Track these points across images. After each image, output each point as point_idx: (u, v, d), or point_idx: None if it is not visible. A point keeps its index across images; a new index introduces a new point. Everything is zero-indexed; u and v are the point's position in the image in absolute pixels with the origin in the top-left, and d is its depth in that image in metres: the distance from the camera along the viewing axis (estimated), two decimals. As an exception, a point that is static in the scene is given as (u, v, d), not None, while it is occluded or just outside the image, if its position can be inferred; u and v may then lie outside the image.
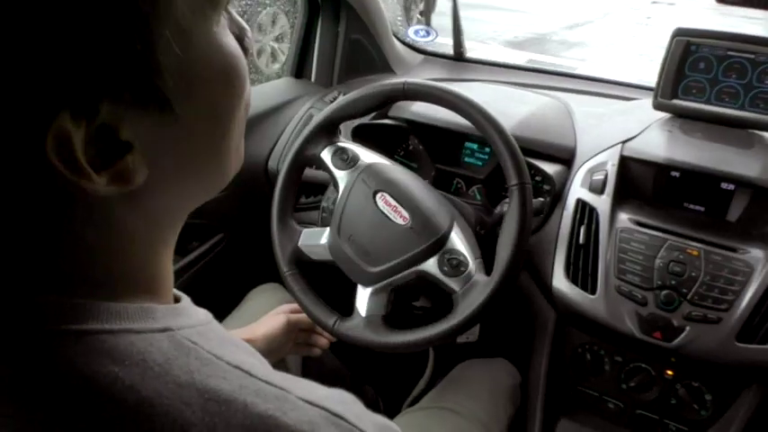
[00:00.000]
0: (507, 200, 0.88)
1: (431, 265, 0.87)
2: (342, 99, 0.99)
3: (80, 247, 0.33)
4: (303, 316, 0.98)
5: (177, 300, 0.40)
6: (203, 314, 0.39)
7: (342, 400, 0.37)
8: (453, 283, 0.86)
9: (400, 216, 0.90)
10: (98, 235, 0.33)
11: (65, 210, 0.31)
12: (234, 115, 0.37)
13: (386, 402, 1.32)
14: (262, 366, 0.36)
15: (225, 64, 0.35)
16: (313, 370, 1.10)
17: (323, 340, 1.04)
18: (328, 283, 1.06)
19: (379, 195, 0.92)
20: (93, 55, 0.28)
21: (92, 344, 0.31)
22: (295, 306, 1.00)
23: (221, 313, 1.09)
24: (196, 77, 0.33)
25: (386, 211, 0.91)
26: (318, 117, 0.99)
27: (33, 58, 0.27)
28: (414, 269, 0.88)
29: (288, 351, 1.01)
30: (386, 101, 0.97)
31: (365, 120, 1.18)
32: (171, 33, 0.30)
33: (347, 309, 0.96)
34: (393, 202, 0.91)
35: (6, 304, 0.31)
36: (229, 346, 0.36)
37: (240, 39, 0.39)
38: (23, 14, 0.26)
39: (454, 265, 0.86)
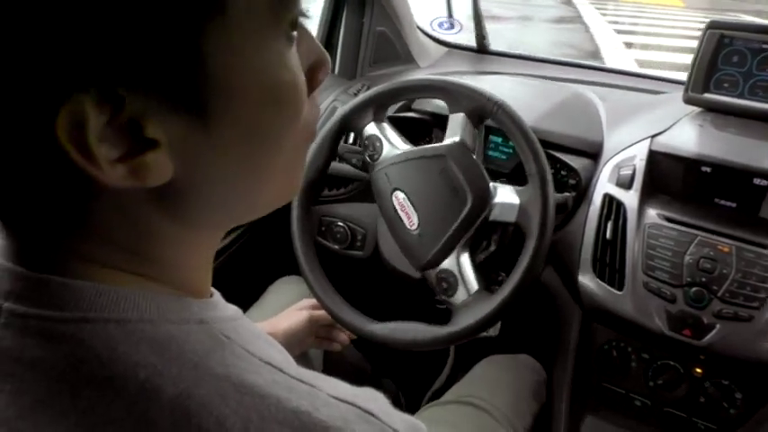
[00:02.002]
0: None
1: (432, 276, 0.90)
2: (403, 81, 0.98)
3: (111, 240, 0.33)
4: (324, 313, 0.99)
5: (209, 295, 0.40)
6: (233, 309, 0.39)
7: (372, 398, 0.37)
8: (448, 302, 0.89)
9: (410, 220, 0.91)
10: (127, 231, 0.33)
11: (89, 199, 0.31)
12: (282, 140, 0.35)
13: (406, 397, 1.32)
14: (291, 363, 0.36)
15: (276, 86, 0.33)
16: (335, 364, 1.11)
17: (343, 336, 1.05)
18: (348, 278, 1.06)
19: (395, 194, 0.93)
20: (126, 41, 0.27)
21: (133, 333, 0.31)
22: (316, 302, 1.00)
23: (243, 306, 1.08)
24: (239, 91, 0.31)
25: (399, 213, 0.93)
26: (378, 89, 0.98)
27: (60, 29, 0.26)
28: (433, 276, 0.90)
29: (308, 346, 1.01)
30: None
31: (389, 112, 1.17)
32: (219, 38, 0.29)
33: (369, 306, 0.96)
34: (406, 205, 0.91)
35: (45, 287, 0.32)
36: (260, 342, 0.36)
37: (313, 69, 0.38)
38: None
39: (449, 284, 0.88)
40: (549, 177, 0.85)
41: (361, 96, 0.99)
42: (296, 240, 0.99)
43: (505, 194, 0.88)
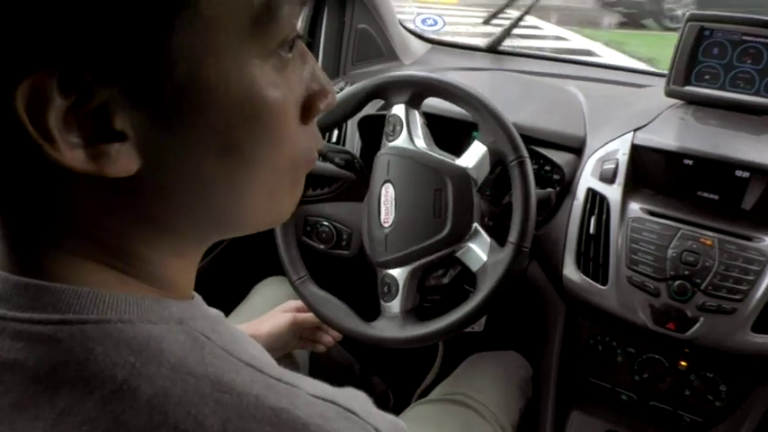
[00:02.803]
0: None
1: (380, 274, 0.92)
2: (456, 84, 0.92)
3: (89, 233, 0.33)
4: (309, 315, 0.98)
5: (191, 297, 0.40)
6: (214, 311, 0.39)
7: (353, 396, 0.37)
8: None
9: (386, 216, 0.92)
10: (103, 224, 0.33)
11: (60, 185, 0.31)
12: (261, 161, 0.35)
13: (395, 394, 1.32)
14: (272, 364, 0.36)
15: (257, 102, 0.32)
16: (321, 362, 1.10)
17: (328, 338, 1.04)
18: (334, 277, 1.06)
19: (386, 185, 0.92)
20: (91, 26, 0.27)
21: (111, 333, 0.31)
22: (301, 304, 0.99)
23: (227, 307, 1.08)
24: (211, 98, 0.31)
25: (381, 204, 0.93)
26: (430, 75, 0.93)
27: (27, 3, 0.26)
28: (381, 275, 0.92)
29: (292, 348, 1.00)
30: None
31: (371, 111, 1.16)
32: (190, 38, 0.29)
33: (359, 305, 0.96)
34: (390, 200, 0.92)
35: (23, 290, 0.32)
36: (240, 342, 0.36)
37: (313, 97, 0.37)
38: None
39: (390, 290, 0.91)
40: (524, 254, 0.85)
41: (409, 72, 0.95)
42: (279, 240, 0.99)
43: (480, 244, 0.88)
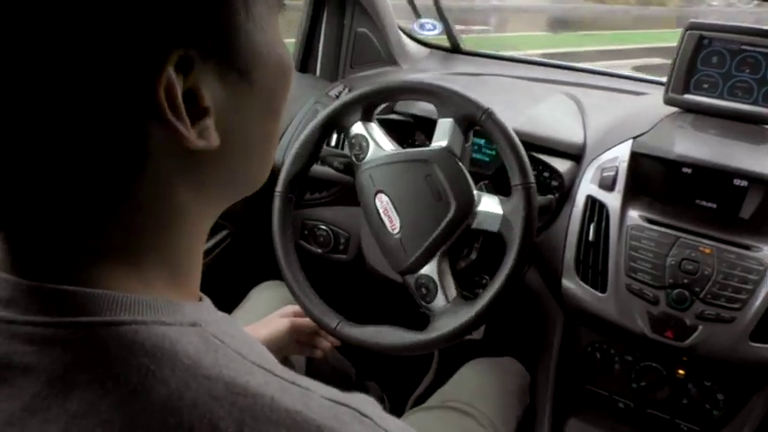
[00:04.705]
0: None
1: (411, 281, 0.89)
2: (394, 82, 0.97)
3: (129, 224, 0.34)
4: (307, 320, 0.97)
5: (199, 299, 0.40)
6: (222, 314, 0.39)
7: (365, 401, 0.37)
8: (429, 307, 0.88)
9: (392, 224, 0.90)
10: (156, 207, 0.34)
11: (137, 172, 0.32)
12: (280, 108, 0.39)
13: (391, 400, 1.31)
14: (284, 368, 0.36)
15: (281, 58, 0.37)
16: (318, 368, 1.09)
17: (325, 343, 1.03)
18: (332, 282, 1.05)
19: (378, 196, 0.92)
20: (196, 7, 0.30)
21: (125, 335, 0.31)
22: (298, 309, 0.99)
23: (225, 310, 1.07)
24: (266, 62, 0.36)
25: (382, 216, 0.92)
26: (368, 88, 0.96)
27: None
28: (413, 280, 0.89)
29: (290, 353, 1.00)
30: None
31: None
32: (250, 16, 0.33)
33: (348, 307, 0.95)
34: (389, 208, 0.91)
35: (35, 294, 0.32)
36: (252, 345, 0.36)
37: None
38: None
39: (428, 290, 0.87)
40: (534, 190, 0.84)
41: (352, 94, 0.97)
42: (277, 243, 0.98)
43: (489, 204, 0.87)
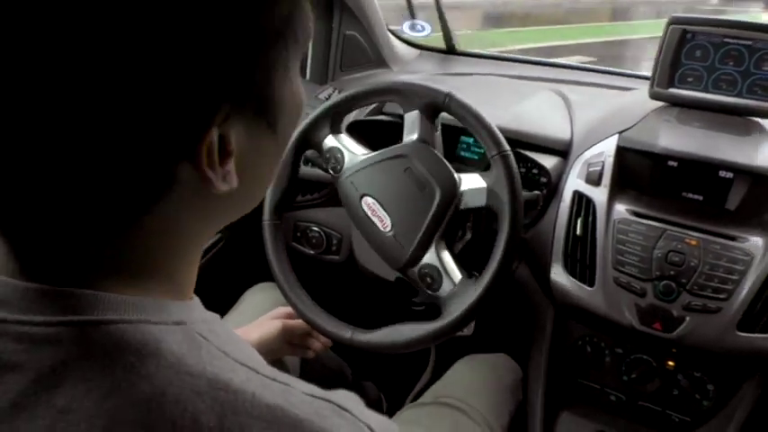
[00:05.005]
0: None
1: (414, 274, 0.89)
2: (352, 91, 0.98)
3: (137, 244, 0.35)
4: (299, 322, 0.98)
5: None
6: (210, 313, 0.40)
7: (346, 397, 0.38)
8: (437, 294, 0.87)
9: (382, 223, 0.91)
10: (165, 232, 0.36)
11: (148, 208, 0.34)
12: (287, 143, 0.42)
13: (388, 399, 1.32)
14: (266, 365, 0.37)
15: (299, 105, 0.41)
16: (313, 368, 1.10)
17: (317, 344, 1.03)
18: (325, 283, 1.06)
19: (364, 200, 0.92)
20: (245, 59, 0.33)
21: (112, 333, 0.32)
22: (291, 311, 0.99)
23: (218, 312, 1.08)
24: (288, 109, 0.39)
25: (371, 217, 0.92)
26: (329, 102, 0.98)
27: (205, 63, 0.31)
28: (416, 272, 0.89)
29: (283, 354, 1.00)
30: (379, 97, 0.98)
31: (360, 116, 1.17)
32: (280, 68, 0.36)
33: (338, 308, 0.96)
34: (377, 208, 0.92)
35: (25, 294, 0.33)
36: (237, 344, 0.37)
37: None
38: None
39: (433, 278, 0.87)
40: (511, 156, 0.85)
41: (315, 112, 0.98)
42: (275, 270, 0.97)
43: (472, 181, 0.88)
